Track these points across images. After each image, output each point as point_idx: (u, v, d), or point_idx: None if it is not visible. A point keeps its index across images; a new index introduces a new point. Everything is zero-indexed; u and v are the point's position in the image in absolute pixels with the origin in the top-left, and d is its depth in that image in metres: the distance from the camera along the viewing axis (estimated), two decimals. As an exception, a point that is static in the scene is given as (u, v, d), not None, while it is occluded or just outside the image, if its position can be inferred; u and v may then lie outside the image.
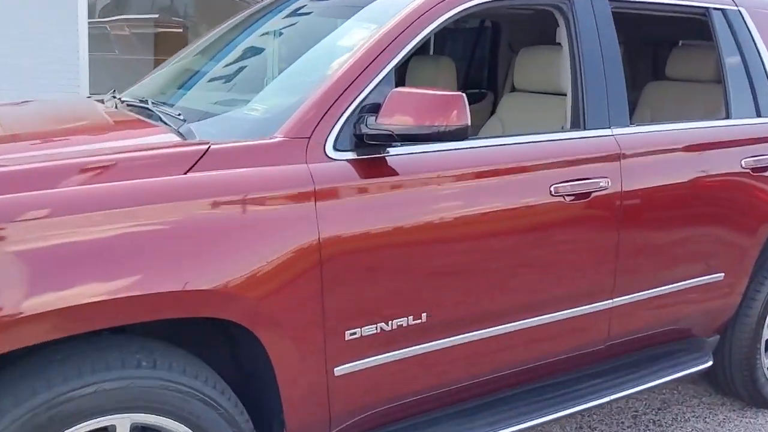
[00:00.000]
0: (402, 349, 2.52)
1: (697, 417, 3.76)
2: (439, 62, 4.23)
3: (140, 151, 2.18)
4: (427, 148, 2.53)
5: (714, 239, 3.33)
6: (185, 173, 2.15)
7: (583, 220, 2.90)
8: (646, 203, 3.06)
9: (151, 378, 2.04)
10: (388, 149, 2.46)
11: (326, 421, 2.45)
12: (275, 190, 2.21)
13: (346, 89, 2.43)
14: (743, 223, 3.41)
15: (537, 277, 2.80)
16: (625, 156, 2.99)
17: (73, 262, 1.91)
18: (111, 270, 1.94)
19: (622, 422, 3.64)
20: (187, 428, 2.11)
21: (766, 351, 3.73)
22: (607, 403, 3.13)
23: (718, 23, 3.48)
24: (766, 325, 3.69)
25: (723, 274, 3.41)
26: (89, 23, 7.19)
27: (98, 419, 1.98)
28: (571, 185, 2.81)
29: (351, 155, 2.40)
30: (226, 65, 3.16)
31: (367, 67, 2.48)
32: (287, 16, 3.31)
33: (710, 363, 3.50)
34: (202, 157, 2.19)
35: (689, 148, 3.25)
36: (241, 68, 3.05)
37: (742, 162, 3.36)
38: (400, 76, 4.72)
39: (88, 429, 1.98)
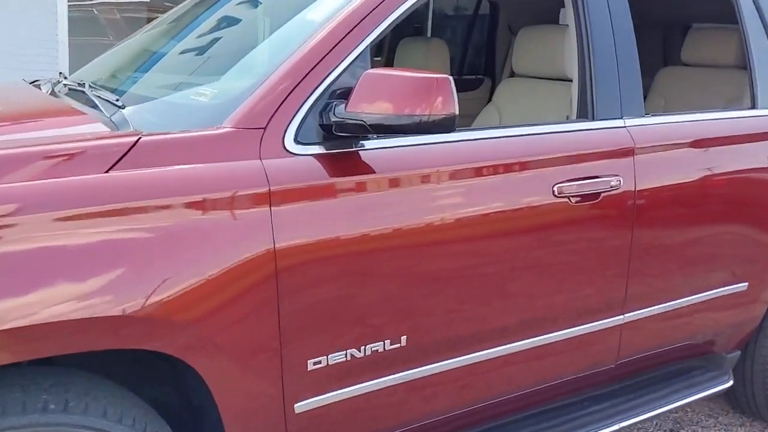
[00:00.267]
0: (378, 378, 2.14)
1: (713, 440, 3.39)
2: (430, 45, 3.83)
3: (55, 144, 1.79)
4: (408, 142, 2.14)
5: (738, 245, 2.95)
6: (107, 171, 1.75)
7: (590, 224, 2.51)
8: (662, 204, 2.68)
9: (58, 424, 1.65)
10: (362, 142, 2.07)
11: (286, 465, 2.07)
12: (218, 192, 1.82)
13: (310, 71, 2.03)
14: (771, 227, 3.02)
15: (537, 291, 2.42)
16: (639, 151, 2.60)
17: None
18: None
19: (631, 447, 3.27)
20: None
21: (791, 368, 3.34)
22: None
23: (744, 2, 3.07)
24: (792, 339, 3.30)
25: (747, 284, 3.02)
26: (76, 6, 6.85)
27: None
28: (577, 185, 2.42)
29: (316, 149, 2.01)
30: (186, 44, 2.75)
31: (336, 45, 2.08)
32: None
33: (730, 383, 3.13)
34: (129, 151, 1.80)
35: (711, 142, 2.85)
36: (201, 47, 2.65)
37: (772, 157, 2.97)
38: (389, 60, 4.33)
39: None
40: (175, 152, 1.85)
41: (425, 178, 2.15)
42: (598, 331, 2.63)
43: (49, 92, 2.62)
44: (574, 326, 2.56)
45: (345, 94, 2.02)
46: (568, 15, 2.71)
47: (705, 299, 2.92)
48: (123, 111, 2.13)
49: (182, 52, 2.64)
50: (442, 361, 2.25)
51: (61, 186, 1.67)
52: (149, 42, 2.90)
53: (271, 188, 1.89)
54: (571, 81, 2.74)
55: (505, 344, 2.39)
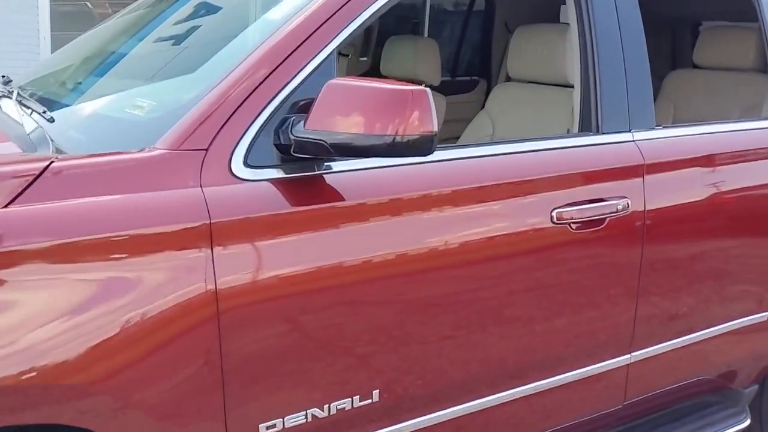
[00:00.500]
0: (345, 440, 1.83)
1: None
2: (418, 44, 3.51)
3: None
4: (384, 162, 1.82)
5: (758, 271, 2.64)
6: (6, 205, 1.44)
7: (594, 253, 2.20)
8: (675, 229, 2.37)
9: None
10: (328, 164, 1.76)
11: None
12: (144, 228, 1.51)
13: (263, 80, 1.71)
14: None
15: (532, 331, 2.11)
16: (649, 168, 2.28)
17: None
18: None
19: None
20: None
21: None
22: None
23: (765, -2, 2.75)
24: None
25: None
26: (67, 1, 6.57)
27: None
28: (578, 209, 2.11)
29: (271, 174, 1.70)
30: (137, 46, 2.43)
31: (296, 49, 1.76)
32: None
33: (748, 422, 2.82)
34: (36, 179, 1.49)
35: (729, 157, 2.53)
36: (151, 51, 2.32)
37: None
38: (375, 61, 4.00)
39: None
40: (93, 180, 1.53)
41: (403, 206, 1.84)
42: (603, 372, 2.32)
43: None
44: (575, 368, 2.24)
45: (307, 107, 1.70)
46: (569, 12, 2.39)
47: (723, 331, 2.61)
48: (49, 126, 1.82)
49: (131, 55, 2.32)
50: (422, 416, 1.94)
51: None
52: (99, 41, 2.58)
53: (212, 221, 1.58)
54: (572, 87, 2.42)
55: (495, 393, 2.07)
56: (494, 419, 2.11)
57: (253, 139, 1.68)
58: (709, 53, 3.31)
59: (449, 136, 3.62)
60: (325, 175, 1.76)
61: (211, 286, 1.56)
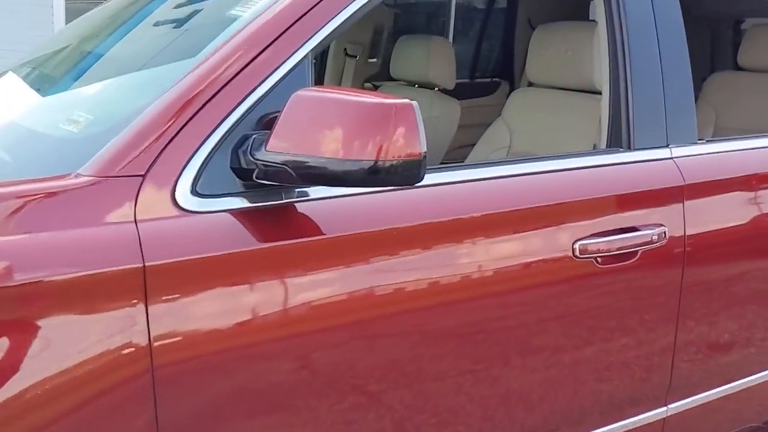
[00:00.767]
0: None
1: None
2: (430, 44, 3.18)
3: None
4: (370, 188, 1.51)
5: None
6: None
7: (623, 290, 1.86)
8: (720, 262, 2.03)
9: None
10: (302, 190, 1.45)
11: None
12: (60, 273, 1.21)
13: (220, 89, 1.41)
14: None
15: (550, 385, 1.78)
16: (691, 191, 1.94)
17: None
18: None
19: None
20: None
21: None
22: None
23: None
24: None
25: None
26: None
27: None
28: (606, 241, 1.78)
29: (228, 204, 1.40)
30: (94, 49, 2.11)
31: (262, 52, 1.45)
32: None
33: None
34: None
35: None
36: (108, 55, 2.01)
37: None
38: (384, 66, 3.67)
39: None
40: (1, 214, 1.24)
41: (394, 240, 1.53)
42: (635, 428, 1.99)
43: None
44: (602, 425, 1.91)
45: (272, 123, 1.39)
46: (597, 8, 2.06)
47: (773, 376, 2.26)
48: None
49: (84, 60, 2.01)
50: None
51: None
52: (60, 43, 2.28)
53: (146, 264, 1.27)
54: (600, 94, 2.09)
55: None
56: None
57: (204, 162, 1.37)
58: (756, 54, 2.95)
59: (466, 143, 3.30)
60: (297, 204, 1.46)
61: (143, 345, 1.26)
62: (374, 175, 1.29)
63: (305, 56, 1.49)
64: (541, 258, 1.70)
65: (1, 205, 1.25)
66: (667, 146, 1.95)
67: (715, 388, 2.13)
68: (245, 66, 1.43)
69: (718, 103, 3.09)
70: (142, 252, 1.27)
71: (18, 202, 1.26)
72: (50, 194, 1.28)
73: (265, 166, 1.36)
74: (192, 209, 1.35)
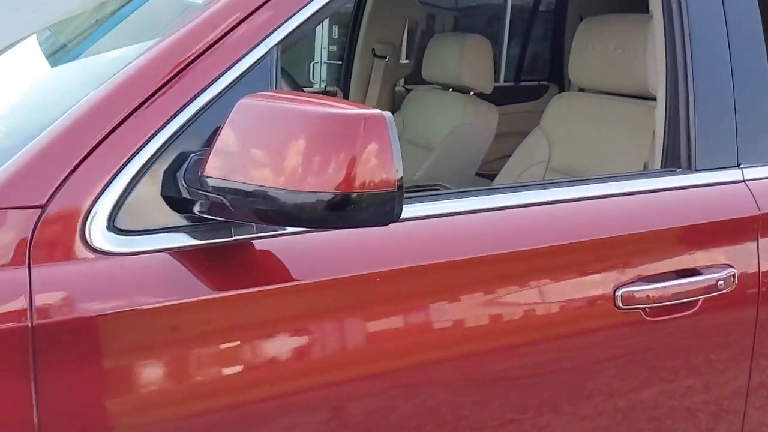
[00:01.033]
0: None
1: None
2: (465, 43, 2.84)
3: None
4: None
5: None
6: None
7: (679, 348, 1.50)
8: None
9: None
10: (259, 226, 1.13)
11: None
12: None
13: (154, 94, 1.10)
14: None
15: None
16: (767, 222, 1.56)
17: None
18: None
19: None
20: None
21: None
22: None
23: None
24: None
25: None
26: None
27: None
28: (658, 288, 1.41)
29: (162, 242, 1.08)
30: (52, 54, 1.84)
31: (208, 48, 1.14)
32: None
33: None
34: None
35: None
36: (53, 60, 1.73)
37: None
38: (418, 67, 3.34)
39: None
40: None
41: (380, 285, 1.20)
42: None
43: None
44: None
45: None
46: (653, 1, 1.71)
47: None
48: None
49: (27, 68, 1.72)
50: None
51: None
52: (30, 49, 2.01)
53: (35, 323, 0.97)
54: (654, 100, 1.72)
55: None
56: None
57: (127, 189, 1.06)
58: None
59: (505, 154, 2.95)
60: (255, 242, 1.14)
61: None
62: (335, 212, 0.96)
63: (269, 51, 1.17)
64: (572, 309, 1.35)
65: None
66: (738, 166, 1.57)
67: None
68: (187, 65, 1.12)
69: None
70: (31, 306, 0.97)
71: None
72: None
73: (206, 195, 1.05)
74: (108, 250, 1.04)
